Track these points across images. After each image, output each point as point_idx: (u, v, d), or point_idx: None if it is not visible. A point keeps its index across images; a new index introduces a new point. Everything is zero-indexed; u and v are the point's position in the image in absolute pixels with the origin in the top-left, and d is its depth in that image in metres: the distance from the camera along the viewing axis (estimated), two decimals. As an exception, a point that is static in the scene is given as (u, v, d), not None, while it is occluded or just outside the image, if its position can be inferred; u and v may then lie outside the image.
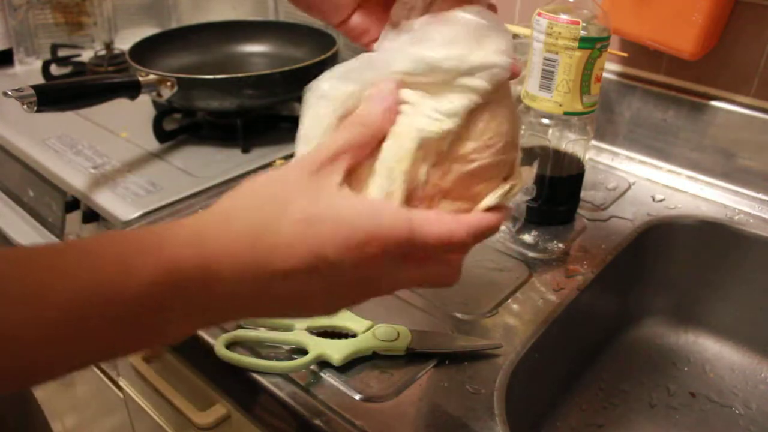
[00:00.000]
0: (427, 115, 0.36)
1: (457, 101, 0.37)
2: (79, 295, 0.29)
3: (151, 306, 0.30)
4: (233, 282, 0.32)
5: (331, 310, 0.37)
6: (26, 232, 0.88)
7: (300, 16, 1.10)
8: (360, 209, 0.34)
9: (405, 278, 0.36)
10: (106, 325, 0.30)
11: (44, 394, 0.66)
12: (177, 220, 0.33)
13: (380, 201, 0.36)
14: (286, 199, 0.33)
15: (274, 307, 0.35)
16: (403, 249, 0.34)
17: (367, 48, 0.44)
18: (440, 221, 0.35)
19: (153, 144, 0.85)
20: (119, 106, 0.81)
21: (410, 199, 0.37)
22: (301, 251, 0.32)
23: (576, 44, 0.59)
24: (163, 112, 0.88)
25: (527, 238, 0.66)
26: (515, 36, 0.75)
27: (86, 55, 1.12)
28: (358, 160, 0.36)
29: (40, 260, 0.30)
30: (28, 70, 1.10)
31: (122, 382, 0.80)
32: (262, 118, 0.90)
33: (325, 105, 0.38)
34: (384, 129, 0.37)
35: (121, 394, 0.82)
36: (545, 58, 0.61)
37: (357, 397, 0.48)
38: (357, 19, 0.44)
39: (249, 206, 0.33)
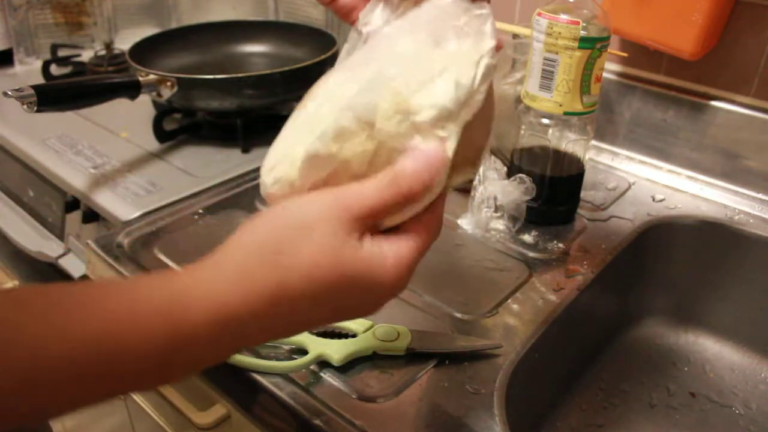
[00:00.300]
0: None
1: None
2: (89, 355, 0.28)
3: (164, 364, 0.31)
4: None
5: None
6: (26, 232, 0.88)
7: (300, 16, 1.11)
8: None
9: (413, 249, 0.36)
10: (110, 383, 0.30)
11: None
12: (196, 269, 0.32)
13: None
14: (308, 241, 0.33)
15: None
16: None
17: (353, 24, 0.43)
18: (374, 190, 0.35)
19: (153, 144, 0.85)
20: (119, 106, 0.81)
21: None
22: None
23: (576, 44, 0.59)
24: (163, 112, 0.88)
25: (527, 238, 0.66)
26: (515, 36, 0.75)
27: (86, 55, 1.12)
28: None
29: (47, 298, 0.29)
30: (28, 70, 1.10)
31: (122, 382, 0.80)
32: (262, 118, 0.90)
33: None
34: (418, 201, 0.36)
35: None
36: (545, 58, 0.61)
37: (357, 397, 0.48)
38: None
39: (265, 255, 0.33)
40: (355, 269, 0.34)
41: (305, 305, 0.33)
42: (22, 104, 0.69)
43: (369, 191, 0.34)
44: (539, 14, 0.61)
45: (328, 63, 0.89)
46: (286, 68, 0.85)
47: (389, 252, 0.35)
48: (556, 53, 0.60)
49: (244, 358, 0.50)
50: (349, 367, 0.50)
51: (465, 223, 0.68)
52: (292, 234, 0.33)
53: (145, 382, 0.32)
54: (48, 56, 1.10)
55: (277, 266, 0.32)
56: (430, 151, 0.35)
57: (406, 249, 0.36)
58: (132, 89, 0.80)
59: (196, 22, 1.06)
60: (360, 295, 0.35)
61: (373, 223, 0.35)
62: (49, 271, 0.85)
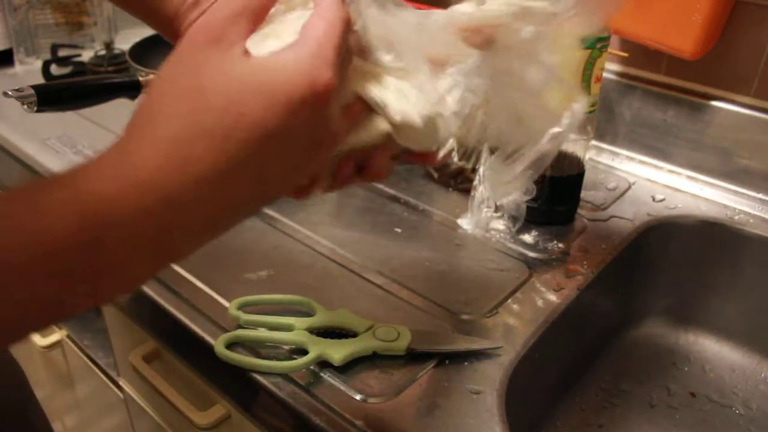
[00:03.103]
0: None
1: None
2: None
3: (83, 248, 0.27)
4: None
5: (289, 180, 0.34)
6: (26, 232, 0.88)
7: (300, 16, 1.10)
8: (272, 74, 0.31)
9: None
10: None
11: (44, 394, 0.66)
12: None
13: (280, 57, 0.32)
14: (200, 86, 0.30)
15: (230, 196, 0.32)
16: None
17: None
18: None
19: (153, 144, 0.85)
20: (119, 106, 0.81)
21: None
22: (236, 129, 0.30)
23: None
24: (163, 112, 0.87)
25: (527, 238, 0.66)
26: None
27: (86, 55, 1.12)
28: (257, 24, 0.33)
29: None
30: (28, 70, 1.10)
31: (122, 382, 0.80)
32: (262, 118, 0.90)
33: None
34: None
35: (121, 394, 0.82)
36: (545, 58, 0.61)
37: (357, 397, 0.48)
38: None
39: (167, 113, 0.30)
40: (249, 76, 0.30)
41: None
42: (22, 104, 0.68)
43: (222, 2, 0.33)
44: (539, 14, 0.61)
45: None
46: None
47: (289, 50, 0.31)
48: (556, 53, 0.60)
49: (244, 358, 0.50)
50: (349, 367, 0.50)
51: (465, 223, 0.68)
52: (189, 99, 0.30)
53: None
54: (48, 56, 1.10)
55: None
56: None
57: (311, 31, 0.32)
58: (132, 89, 0.80)
59: (196, 22, 1.06)
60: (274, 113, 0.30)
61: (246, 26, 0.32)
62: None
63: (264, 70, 0.31)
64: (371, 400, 0.47)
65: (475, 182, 0.66)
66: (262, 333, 0.52)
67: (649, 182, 0.78)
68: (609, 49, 0.62)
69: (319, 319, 0.53)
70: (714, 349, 0.73)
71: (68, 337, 0.92)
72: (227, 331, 0.53)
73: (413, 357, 0.51)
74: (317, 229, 0.67)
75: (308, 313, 0.54)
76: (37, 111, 0.69)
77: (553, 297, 0.59)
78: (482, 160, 0.68)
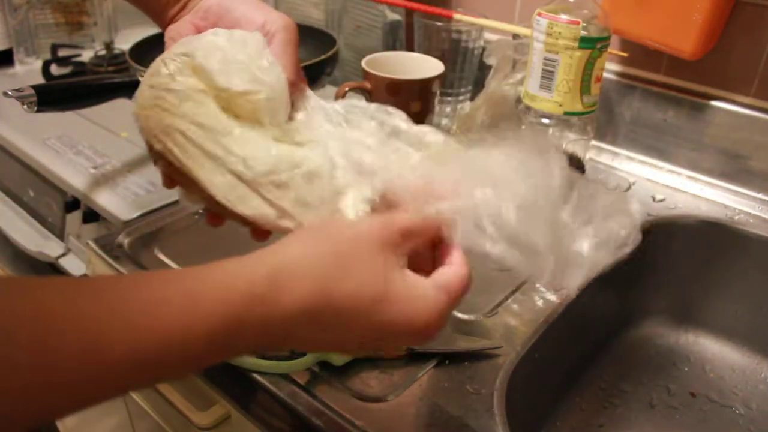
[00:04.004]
0: None
1: None
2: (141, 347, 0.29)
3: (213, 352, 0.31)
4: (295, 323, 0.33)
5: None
6: (26, 232, 0.88)
7: (299, 16, 1.10)
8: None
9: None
10: (160, 374, 0.31)
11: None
12: (239, 264, 0.33)
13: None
14: (353, 266, 0.35)
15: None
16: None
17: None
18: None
19: (153, 144, 0.85)
20: (119, 106, 0.81)
21: None
22: (365, 329, 0.35)
23: (576, 44, 0.59)
24: (163, 112, 0.87)
25: (527, 238, 0.66)
26: (515, 36, 0.75)
27: (86, 55, 1.12)
28: (418, 250, 0.38)
29: (97, 297, 0.29)
30: (28, 70, 1.10)
31: (122, 382, 0.80)
32: (262, 118, 0.90)
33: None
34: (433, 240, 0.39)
35: (121, 394, 0.82)
36: (545, 58, 0.61)
37: (357, 397, 0.48)
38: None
39: (317, 264, 0.34)
40: (397, 294, 0.35)
41: (341, 320, 0.34)
42: (22, 104, 0.69)
43: (406, 215, 0.38)
44: (539, 14, 0.61)
45: (327, 63, 0.89)
46: (286, 68, 0.84)
47: (430, 291, 0.37)
48: (557, 53, 0.60)
49: (244, 358, 0.50)
50: (349, 367, 0.50)
51: (465, 223, 0.68)
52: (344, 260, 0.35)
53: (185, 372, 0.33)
54: (48, 56, 1.10)
55: (326, 286, 0.34)
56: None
57: (444, 295, 0.37)
58: (132, 89, 0.80)
59: (196, 22, 1.06)
60: (394, 322, 0.35)
61: (412, 247, 0.37)
62: (49, 272, 0.85)
63: (409, 299, 0.36)
64: (371, 400, 0.47)
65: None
66: (262, 333, 0.52)
67: (649, 182, 0.78)
68: (609, 49, 0.62)
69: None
70: (714, 349, 0.73)
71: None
72: (227, 331, 0.53)
73: (413, 357, 0.51)
74: (317, 229, 0.67)
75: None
76: (37, 111, 0.69)
77: (553, 297, 0.59)
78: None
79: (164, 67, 0.42)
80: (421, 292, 0.36)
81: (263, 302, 0.32)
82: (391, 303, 0.35)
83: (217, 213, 0.44)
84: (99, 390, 0.29)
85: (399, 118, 0.44)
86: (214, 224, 0.46)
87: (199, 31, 0.49)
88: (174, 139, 0.41)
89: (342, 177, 0.40)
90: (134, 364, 0.28)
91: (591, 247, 0.41)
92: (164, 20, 0.51)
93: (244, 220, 0.42)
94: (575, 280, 0.41)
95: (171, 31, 0.50)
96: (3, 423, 0.26)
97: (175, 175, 0.43)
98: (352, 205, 0.39)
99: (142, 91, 0.43)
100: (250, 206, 0.40)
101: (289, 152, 0.41)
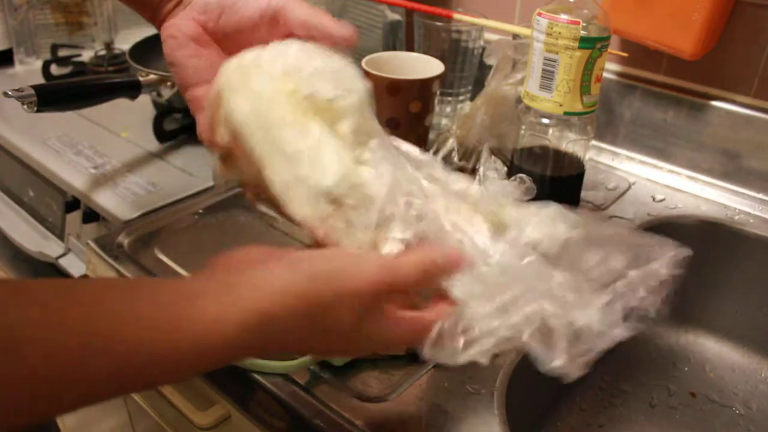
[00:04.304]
0: None
1: None
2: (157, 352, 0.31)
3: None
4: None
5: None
6: (26, 232, 0.88)
7: (300, 16, 1.10)
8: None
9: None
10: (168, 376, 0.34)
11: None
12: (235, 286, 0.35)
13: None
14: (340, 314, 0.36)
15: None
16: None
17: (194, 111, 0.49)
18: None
19: (153, 144, 0.85)
20: (119, 106, 0.81)
21: None
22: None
23: (576, 44, 0.59)
24: (163, 112, 0.87)
25: (527, 238, 0.66)
26: (515, 36, 0.75)
27: (86, 55, 1.12)
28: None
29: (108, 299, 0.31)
30: (28, 70, 1.10)
31: (122, 382, 0.80)
32: (262, 118, 0.90)
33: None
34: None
35: (121, 394, 0.82)
36: (545, 58, 0.61)
37: (357, 397, 0.48)
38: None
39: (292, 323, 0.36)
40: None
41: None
42: (22, 104, 0.69)
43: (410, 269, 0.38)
44: (539, 14, 0.61)
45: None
46: (286, 68, 0.84)
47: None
48: (557, 53, 0.60)
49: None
50: (349, 367, 0.50)
51: (465, 223, 0.68)
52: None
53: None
54: (48, 56, 1.10)
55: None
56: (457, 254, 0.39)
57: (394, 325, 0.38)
58: (132, 89, 0.80)
59: (196, 22, 1.06)
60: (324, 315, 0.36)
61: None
62: (49, 271, 0.85)
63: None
64: (371, 400, 0.47)
65: (475, 182, 0.66)
66: (262, 333, 0.52)
67: (649, 182, 0.78)
68: (609, 49, 0.62)
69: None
70: (714, 349, 0.73)
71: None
72: (227, 331, 0.53)
73: (413, 357, 0.51)
74: (317, 229, 0.67)
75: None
76: (37, 111, 0.69)
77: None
78: (482, 160, 0.67)
79: (260, 59, 0.43)
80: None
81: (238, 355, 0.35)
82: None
83: (259, 196, 0.45)
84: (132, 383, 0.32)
85: (446, 173, 0.46)
86: (252, 202, 0.47)
87: (201, 26, 0.48)
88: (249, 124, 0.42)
89: (390, 211, 0.40)
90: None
91: (604, 319, 0.40)
92: (159, 17, 0.50)
93: (285, 214, 0.42)
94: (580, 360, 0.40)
95: (170, 28, 0.49)
96: (53, 406, 0.29)
97: (229, 158, 0.44)
98: (390, 242, 0.40)
99: (230, 73, 0.43)
100: (300, 211, 0.41)
101: (352, 169, 0.41)
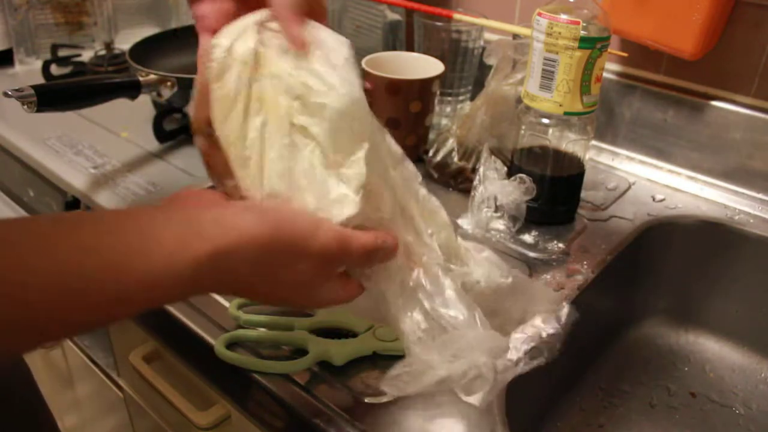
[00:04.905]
0: None
1: None
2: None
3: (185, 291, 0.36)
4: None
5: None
6: (26, 232, 0.88)
7: (300, 16, 1.10)
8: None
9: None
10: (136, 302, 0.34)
11: (44, 393, 0.66)
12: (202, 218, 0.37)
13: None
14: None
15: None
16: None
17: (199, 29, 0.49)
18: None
19: (153, 144, 0.85)
20: (119, 106, 0.81)
21: None
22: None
23: (576, 44, 0.59)
24: (163, 112, 0.87)
25: (527, 238, 0.66)
26: (515, 36, 0.75)
27: (86, 55, 1.12)
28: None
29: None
30: (28, 70, 1.10)
31: (122, 382, 0.80)
32: (262, 118, 0.90)
33: None
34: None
35: (121, 394, 0.82)
36: (545, 58, 0.61)
37: (357, 397, 0.48)
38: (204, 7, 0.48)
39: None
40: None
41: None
42: (22, 104, 0.68)
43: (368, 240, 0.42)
44: (539, 14, 0.61)
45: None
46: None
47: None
48: (556, 53, 0.60)
49: (244, 358, 0.50)
50: (349, 367, 0.50)
51: (465, 223, 0.68)
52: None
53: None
54: (48, 56, 1.10)
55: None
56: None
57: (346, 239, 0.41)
58: (132, 89, 0.80)
59: (196, 22, 1.06)
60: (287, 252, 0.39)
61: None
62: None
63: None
64: (371, 400, 0.47)
65: (475, 182, 0.66)
66: (262, 333, 0.52)
67: (649, 182, 0.78)
68: (609, 49, 0.62)
69: (319, 319, 0.53)
70: (714, 349, 0.73)
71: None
72: (227, 330, 0.53)
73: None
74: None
75: (308, 313, 0.54)
76: (37, 111, 0.69)
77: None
78: (482, 160, 0.67)
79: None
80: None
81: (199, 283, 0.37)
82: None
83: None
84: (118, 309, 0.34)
85: None
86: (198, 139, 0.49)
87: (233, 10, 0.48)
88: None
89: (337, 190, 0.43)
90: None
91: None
92: None
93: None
94: (482, 393, 0.45)
95: (202, 8, 0.48)
96: (33, 334, 0.31)
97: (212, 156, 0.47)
98: (348, 206, 0.42)
99: (220, 71, 0.44)
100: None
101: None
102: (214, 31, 0.45)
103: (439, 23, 0.83)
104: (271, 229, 0.38)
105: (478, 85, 0.80)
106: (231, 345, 0.52)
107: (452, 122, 0.78)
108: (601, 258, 0.64)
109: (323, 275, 0.42)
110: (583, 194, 0.71)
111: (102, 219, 0.35)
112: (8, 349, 0.32)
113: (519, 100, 0.68)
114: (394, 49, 0.95)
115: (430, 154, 0.76)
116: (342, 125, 0.42)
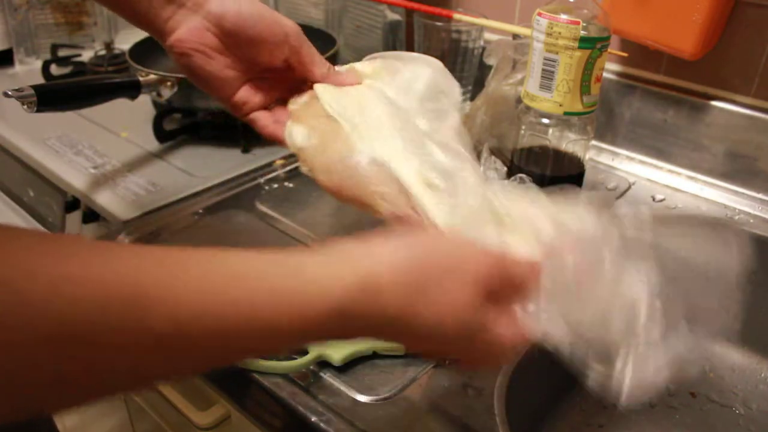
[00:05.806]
0: None
1: None
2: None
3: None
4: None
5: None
6: (26, 232, 0.88)
7: (299, 16, 1.10)
8: None
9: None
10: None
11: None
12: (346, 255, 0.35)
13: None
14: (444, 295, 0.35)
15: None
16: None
17: (242, 117, 0.55)
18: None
19: (153, 144, 0.85)
20: (119, 106, 0.81)
21: None
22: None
23: (576, 44, 0.59)
24: (163, 112, 0.87)
25: (527, 238, 0.66)
26: (515, 36, 0.75)
27: (86, 55, 1.12)
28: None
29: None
30: (28, 70, 1.10)
31: (122, 382, 0.80)
32: (262, 118, 0.90)
33: None
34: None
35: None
36: (545, 58, 0.61)
37: (357, 397, 0.48)
38: (241, 94, 0.55)
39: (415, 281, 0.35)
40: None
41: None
42: (22, 104, 0.68)
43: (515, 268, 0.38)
44: (539, 14, 0.61)
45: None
46: (286, 68, 0.84)
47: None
48: (556, 53, 0.60)
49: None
50: (349, 367, 0.50)
51: (465, 223, 0.68)
52: (438, 278, 0.35)
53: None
54: (48, 56, 1.10)
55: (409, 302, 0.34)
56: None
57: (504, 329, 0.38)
58: (132, 89, 0.80)
59: (196, 22, 1.06)
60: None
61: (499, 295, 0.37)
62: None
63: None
64: (371, 400, 0.47)
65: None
66: (262, 333, 0.52)
67: (649, 182, 0.78)
68: (609, 49, 0.62)
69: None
70: (714, 349, 0.73)
71: (68, 337, 0.92)
72: (227, 331, 0.53)
73: (413, 357, 0.51)
74: (317, 229, 0.67)
75: None
76: (37, 111, 0.69)
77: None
78: (482, 160, 0.68)
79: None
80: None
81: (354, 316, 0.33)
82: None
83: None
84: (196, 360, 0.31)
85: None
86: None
87: (217, 37, 0.51)
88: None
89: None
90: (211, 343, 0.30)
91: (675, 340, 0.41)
92: (159, 21, 0.50)
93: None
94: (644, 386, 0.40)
95: (185, 42, 0.51)
96: (111, 379, 0.28)
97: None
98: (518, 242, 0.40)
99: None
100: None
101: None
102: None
103: (439, 23, 0.83)
104: (424, 247, 0.36)
105: (478, 85, 0.80)
106: (231, 345, 0.52)
107: (452, 122, 0.78)
108: (601, 258, 0.64)
109: (482, 296, 0.36)
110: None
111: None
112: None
113: (519, 100, 0.68)
114: (394, 49, 0.95)
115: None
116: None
